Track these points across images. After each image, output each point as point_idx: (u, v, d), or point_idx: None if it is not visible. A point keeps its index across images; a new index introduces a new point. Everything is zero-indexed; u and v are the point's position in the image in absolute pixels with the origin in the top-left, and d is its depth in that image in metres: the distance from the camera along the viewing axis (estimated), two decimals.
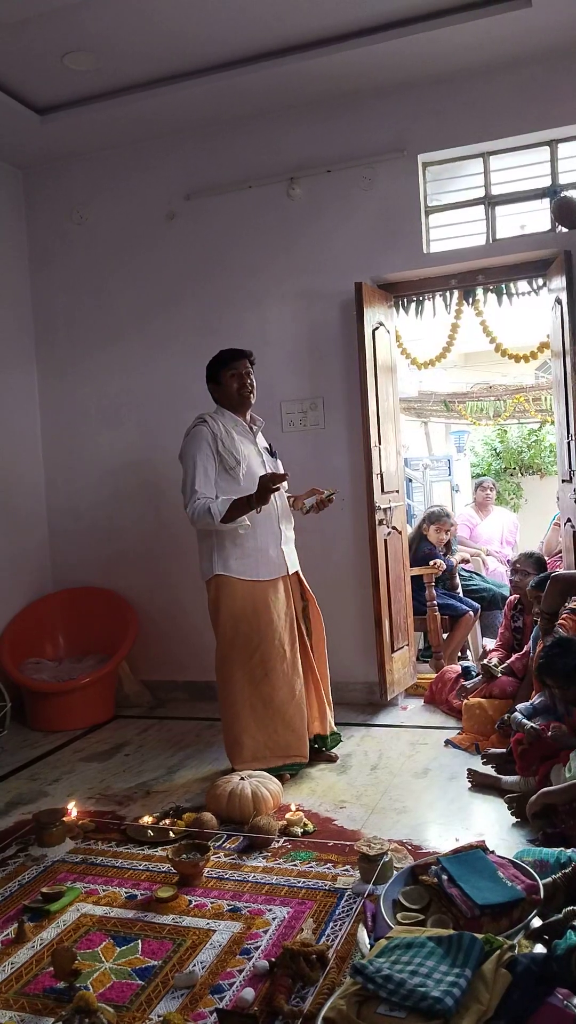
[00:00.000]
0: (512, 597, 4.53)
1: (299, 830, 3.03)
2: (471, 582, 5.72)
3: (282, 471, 3.72)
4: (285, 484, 3.55)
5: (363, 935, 2.26)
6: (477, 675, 4.24)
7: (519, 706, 3.46)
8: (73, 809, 3.25)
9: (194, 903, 2.57)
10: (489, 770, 3.39)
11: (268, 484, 3.30)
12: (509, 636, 4.48)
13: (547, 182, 4.42)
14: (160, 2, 3.68)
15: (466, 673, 4.41)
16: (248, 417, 3.73)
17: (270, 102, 4.56)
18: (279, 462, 3.80)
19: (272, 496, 3.39)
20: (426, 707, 4.54)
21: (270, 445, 3.79)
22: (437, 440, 11.39)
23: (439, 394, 10.51)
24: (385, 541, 4.46)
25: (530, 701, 3.46)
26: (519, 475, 12.11)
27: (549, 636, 3.39)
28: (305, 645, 3.73)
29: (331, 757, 3.79)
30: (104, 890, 2.69)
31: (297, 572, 3.76)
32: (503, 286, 4.62)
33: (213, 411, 3.68)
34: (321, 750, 3.78)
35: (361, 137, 4.55)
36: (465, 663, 4.67)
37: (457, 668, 4.55)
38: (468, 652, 5.48)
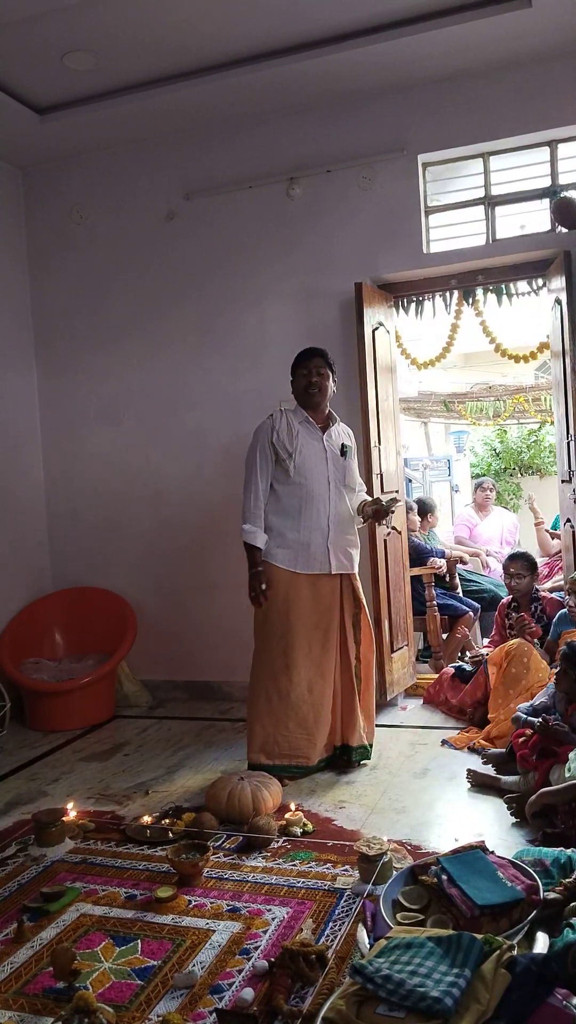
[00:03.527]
0: (506, 598, 4.59)
1: (298, 830, 3.03)
2: (471, 582, 5.73)
3: (354, 471, 3.75)
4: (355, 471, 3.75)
5: (362, 935, 2.26)
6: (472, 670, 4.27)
7: (520, 706, 3.47)
8: (72, 809, 3.25)
9: (193, 903, 2.57)
10: (488, 770, 3.40)
11: (251, 591, 3.58)
12: (500, 639, 4.51)
13: (547, 182, 4.43)
14: (159, 2, 3.68)
15: (460, 673, 4.41)
16: (325, 415, 3.77)
17: (270, 102, 4.56)
18: (351, 461, 3.75)
19: (324, 492, 3.61)
20: (426, 707, 4.54)
21: (343, 445, 3.74)
22: (437, 440, 11.40)
23: (439, 394, 10.51)
24: (385, 541, 4.46)
25: (529, 702, 3.46)
26: (519, 475, 12.11)
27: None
28: (348, 652, 3.70)
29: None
30: (103, 890, 2.69)
31: (351, 576, 3.71)
32: (503, 286, 4.62)
33: (291, 406, 3.78)
34: (348, 760, 3.69)
35: (361, 137, 4.55)
36: (457, 664, 4.67)
37: (450, 670, 4.54)
38: (467, 652, 5.48)
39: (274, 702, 3.58)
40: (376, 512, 3.68)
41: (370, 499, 3.81)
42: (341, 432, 3.80)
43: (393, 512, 3.76)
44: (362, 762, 3.71)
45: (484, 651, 4.33)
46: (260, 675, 3.65)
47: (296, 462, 3.60)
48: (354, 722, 3.69)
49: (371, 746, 3.77)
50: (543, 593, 4.54)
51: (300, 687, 3.57)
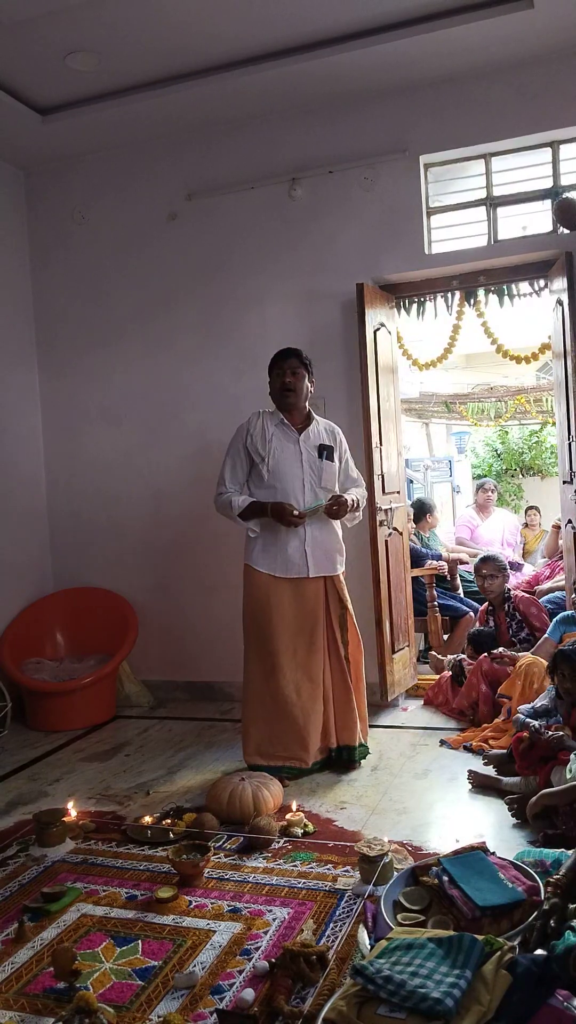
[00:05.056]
0: (484, 606, 4.71)
1: (299, 831, 3.03)
2: (472, 583, 5.73)
3: (332, 472, 3.69)
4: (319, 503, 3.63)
5: (363, 936, 2.26)
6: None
7: (521, 707, 3.47)
8: (73, 809, 3.25)
9: (194, 904, 2.57)
10: (489, 771, 3.39)
11: (280, 517, 3.51)
12: None
13: (549, 183, 4.43)
14: (161, 3, 3.68)
15: (457, 677, 4.42)
16: (304, 415, 3.74)
17: (272, 103, 4.56)
18: (330, 463, 3.69)
19: (299, 495, 3.60)
20: (426, 708, 4.54)
21: (321, 446, 3.69)
22: (438, 441, 11.41)
23: (440, 395, 10.52)
24: (386, 542, 4.46)
25: (531, 704, 3.46)
26: (520, 476, 12.12)
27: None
28: (337, 653, 3.69)
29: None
30: (104, 890, 2.69)
31: (334, 578, 3.70)
32: (504, 287, 4.62)
33: (269, 408, 3.76)
34: (344, 760, 3.68)
35: (363, 138, 4.55)
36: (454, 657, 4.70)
37: (448, 673, 4.55)
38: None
39: (267, 705, 3.60)
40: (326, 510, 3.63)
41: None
42: (321, 432, 3.76)
43: (335, 507, 3.63)
44: (362, 761, 3.71)
45: (453, 656, 4.52)
46: (252, 678, 3.66)
47: (269, 465, 3.60)
48: (351, 722, 3.68)
49: (365, 746, 3.77)
50: (515, 593, 4.59)
51: (288, 688, 3.58)
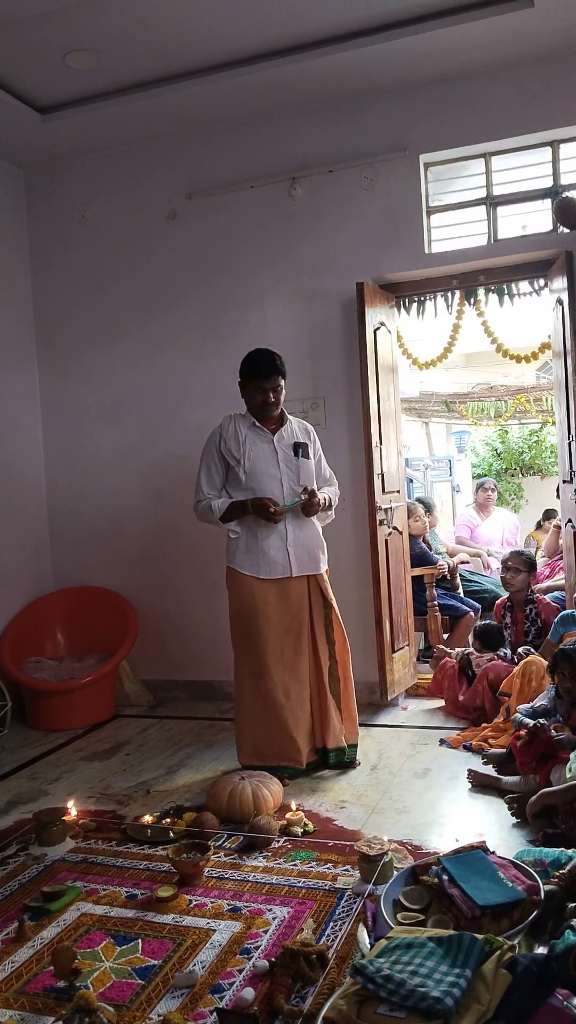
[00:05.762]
0: (501, 599, 4.63)
1: (299, 830, 3.03)
2: (472, 582, 5.73)
3: (309, 470, 3.67)
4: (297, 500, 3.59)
5: (363, 935, 2.26)
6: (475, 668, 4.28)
7: (520, 707, 3.47)
8: (73, 808, 3.25)
9: (194, 903, 2.57)
10: (489, 770, 3.40)
11: (261, 512, 3.52)
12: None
13: (549, 183, 4.43)
14: (161, 1, 3.68)
15: (465, 671, 4.40)
16: (277, 418, 3.70)
17: (272, 102, 4.56)
18: (306, 460, 3.66)
19: (278, 495, 3.57)
20: (426, 708, 4.52)
21: (295, 444, 3.67)
22: (438, 440, 11.41)
23: (440, 394, 10.53)
24: (386, 541, 4.46)
25: (530, 704, 3.46)
26: (520, 476, 12.12)
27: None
28: (319, 654, 3.67)
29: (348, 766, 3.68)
30: (104, 889, 2.69)
31: (318, 576, 3.69)
32: (504, 286, 4.62)
33: (241, 412, 3.73)
34: (326, 763, 3.67)
35: (363, 137, 4.55)
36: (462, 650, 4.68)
37: (453, 661, 4.52)
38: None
39: (260, 706, 3.58)
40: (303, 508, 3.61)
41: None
42: (296, 431, 3.74)
43: (303, 500, 3.60)
44: (358, 761, 3.70)
45: (461, 650, 4.51)
46: (241, 681, 3.64)
47: (246, 468, 3.58)
48: (328, 724, 3.66)
49: (354, 747, 3.73)
50: (539, 596, 4.56)
51: (277, 690, 3.56)
